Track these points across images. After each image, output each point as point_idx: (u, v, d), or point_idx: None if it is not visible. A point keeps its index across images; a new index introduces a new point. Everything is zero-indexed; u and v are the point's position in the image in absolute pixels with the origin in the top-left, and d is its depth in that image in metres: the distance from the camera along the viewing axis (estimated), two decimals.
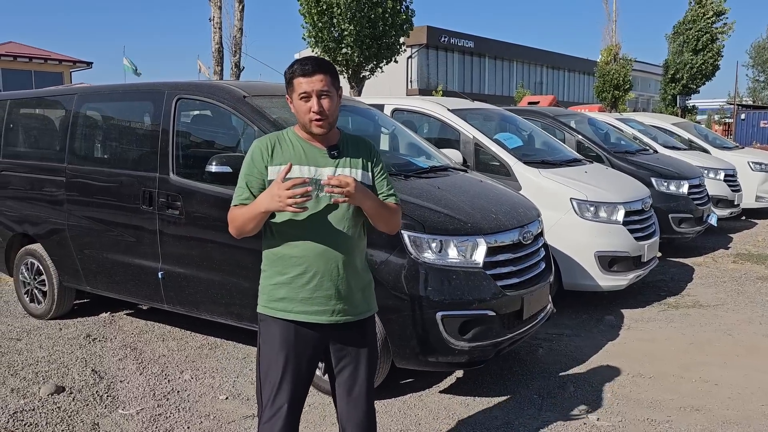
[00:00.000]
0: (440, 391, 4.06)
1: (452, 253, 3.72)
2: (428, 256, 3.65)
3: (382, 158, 2.56)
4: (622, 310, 5.81)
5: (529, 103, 23.46)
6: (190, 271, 4.43)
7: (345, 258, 2.41)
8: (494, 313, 3.72)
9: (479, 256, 3.76)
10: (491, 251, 3.83)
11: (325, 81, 2.32)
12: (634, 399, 3.97)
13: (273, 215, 2.38)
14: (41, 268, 5.44)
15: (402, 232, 3.63)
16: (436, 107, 6.40)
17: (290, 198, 2.16)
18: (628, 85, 28.12)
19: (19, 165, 5.53)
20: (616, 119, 10.67)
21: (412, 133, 5.47)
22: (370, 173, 2.46)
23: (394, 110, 6.59)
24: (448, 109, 6.31)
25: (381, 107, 6.55)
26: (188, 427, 3.55)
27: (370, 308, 2.57)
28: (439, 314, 3.58)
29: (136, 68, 27.10)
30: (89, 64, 36.95)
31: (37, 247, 5.44)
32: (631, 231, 5.77)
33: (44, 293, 5.47)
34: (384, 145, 5.49)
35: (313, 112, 2.31)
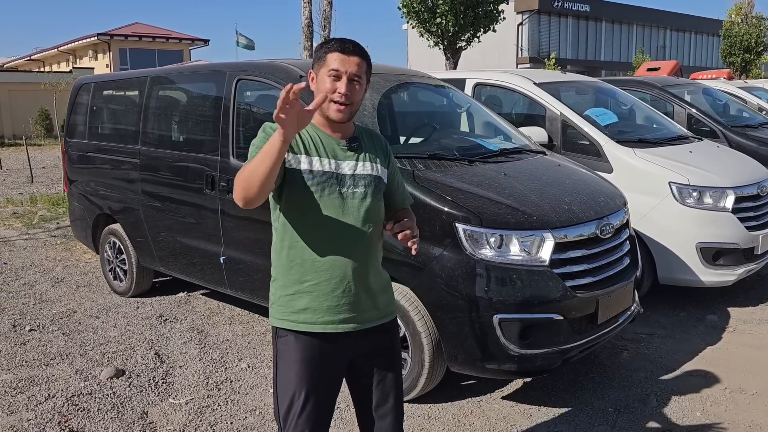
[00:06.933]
0: (503, 397, 3.71)
1: (514, 249, 3.33)
2: (486, 252, 3.29)
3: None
4: (729, 309, 5.14)
5: (648, 70, 21.70)
6: (249, 256, 4.34)
7: (369, 257, 2.18)
8: (562, 317, 3.32)
9: (546, 252, 3.35)
10: (560, 247, 3.40)
11: (361, 66, 2.10)
12: (728, 420, 3.43)
13: (290, 216, 2.16)
14: (122, 247, 5.59)
15: (457, 225, 3.30)
16: (521, 81, 5.90)
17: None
18: (761, 47, 25.39)
19: (102, 147, 5.68)
20: (739, 87, 9.54)
21: (489, 110, 5.05)
22: (387, 169, 2.24)
23: (476, 85, 6.15)
24: (534, 83, 5.79)
25: (462, 82, 6.16)
26: (231, 422, 3.46)
27: (392, 309, 2.32)
28: (496, 317, 3.23)
29: (249, 40, 27.40)
30: (206, 41, 38.60)
31: (117, 226, 5.59)
32: (742, 219, 5.04)
33: (125, 272, 5.63)
34: (458, 124, 5.10)
35: (339, 92, 2.06)
